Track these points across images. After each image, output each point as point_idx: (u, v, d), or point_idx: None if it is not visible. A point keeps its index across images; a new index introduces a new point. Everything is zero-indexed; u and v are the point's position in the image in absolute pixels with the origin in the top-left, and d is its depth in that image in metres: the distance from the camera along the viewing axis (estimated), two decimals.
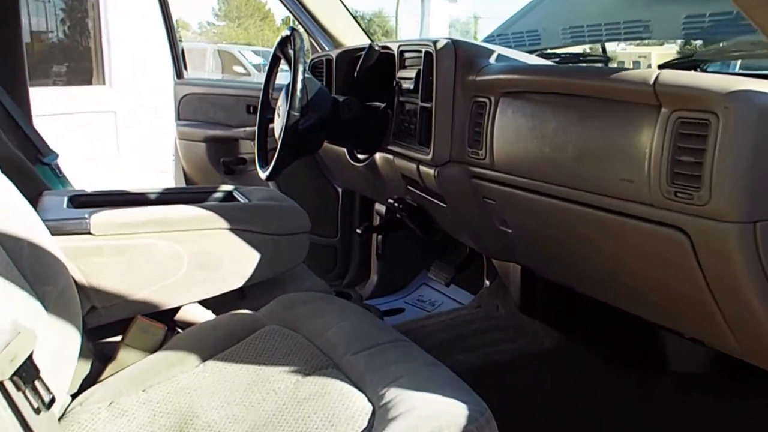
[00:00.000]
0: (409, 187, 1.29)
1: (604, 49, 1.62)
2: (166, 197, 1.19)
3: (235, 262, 1.04)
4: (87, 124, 5.54)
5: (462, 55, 1.05)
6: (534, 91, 0.91)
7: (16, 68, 1.54)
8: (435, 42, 1.07)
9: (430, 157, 1.08)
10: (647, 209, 0.75)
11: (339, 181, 1.92)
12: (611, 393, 1.30)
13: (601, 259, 0.90)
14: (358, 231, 1.62)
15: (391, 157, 1.28)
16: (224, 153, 2.12)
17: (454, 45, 1.06)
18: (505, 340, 1.38)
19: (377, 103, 1.35)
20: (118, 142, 5.87)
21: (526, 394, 1.29)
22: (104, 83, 5.90)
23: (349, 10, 1.83)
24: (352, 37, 1.81)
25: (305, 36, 1.83)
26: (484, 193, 1.05)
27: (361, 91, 1.37)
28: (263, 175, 1.35)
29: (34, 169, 1.15)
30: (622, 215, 0.79)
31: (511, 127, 0.94)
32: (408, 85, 1.18)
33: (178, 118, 2.22)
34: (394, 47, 1.28)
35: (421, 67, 1.12)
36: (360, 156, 1.46)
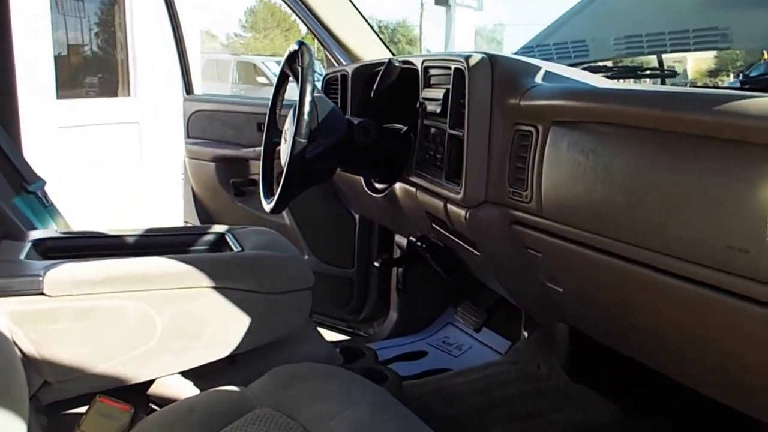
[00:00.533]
0: (434, 226, 1.09)
1: (660, 62, 1.41)
2: (149, 240, 1.02)
3: (221, 327, 0.85)
4: (112, 134, 5.59)
5: (501, 73, 0.86)
6: (597, 122, 0.71)
7: (6, 91, 1.40)
8: (467, 57, 0.88)
9: (460, 196, 0.89)
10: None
11: (356, 208, 1.74)
12: None
13: (691, 342, 0.69)
14: (377, 264, 1.45)
15: (413, 189, 1.09)
16: (234, 173, 1.98)
17: (491, 60, 0.87)
18: (549, 410, 1.16)
19: (398, 126, 1.16)
20: (141, 152, 5.88)
21: None
22: (129, 94, 5.94)
23: (367, 21, 1.66)
24: (371, 50, 1.63)
25: (320, 49, 1.66)
26: (527, 243, 0.85)
27: (381, 112, 1.20)
28: (267, 207, 1.19)
29: (2, 207, 0.99)
30: (726, 293, 0.58)
31: (566, 165, 0.74)
32: (434, 107, 0.99)
33: (188, 135, 2.09)
34: (418, 62, 1.09)
35: (450, 87, 0.94)
36: (378, 185, 1.28)
